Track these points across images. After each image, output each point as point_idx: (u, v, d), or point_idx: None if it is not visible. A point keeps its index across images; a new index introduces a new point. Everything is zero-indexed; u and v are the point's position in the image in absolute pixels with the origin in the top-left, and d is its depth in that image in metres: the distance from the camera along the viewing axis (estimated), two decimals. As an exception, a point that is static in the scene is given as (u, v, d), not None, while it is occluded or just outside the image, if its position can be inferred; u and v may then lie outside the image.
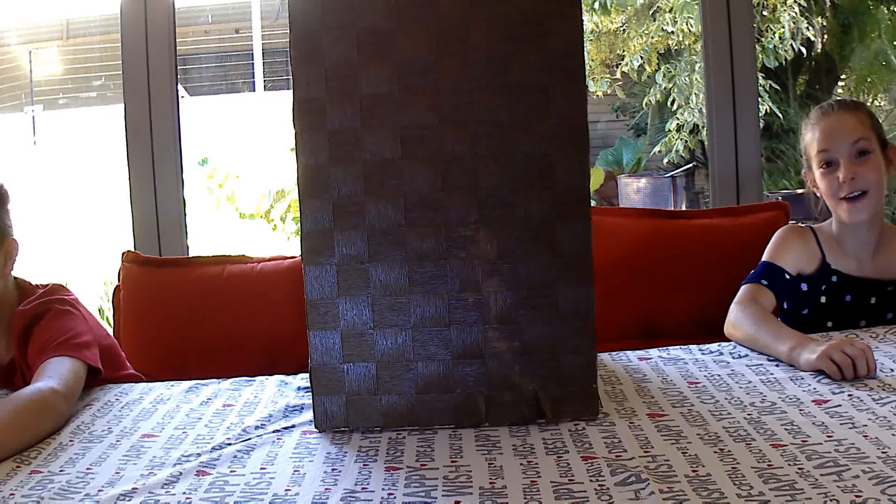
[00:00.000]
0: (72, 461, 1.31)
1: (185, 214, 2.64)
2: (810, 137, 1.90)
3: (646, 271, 2.23)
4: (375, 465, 1.24)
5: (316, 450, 1.32)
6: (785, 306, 1.86)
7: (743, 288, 1.83)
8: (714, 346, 1.72)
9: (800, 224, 2.02)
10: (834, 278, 1.87)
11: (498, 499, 1.11)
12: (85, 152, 6.97)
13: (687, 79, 6.53)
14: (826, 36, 6.75)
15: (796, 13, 6.29)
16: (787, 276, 1.86)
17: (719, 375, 1.55)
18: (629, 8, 6.57)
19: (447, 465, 1.23)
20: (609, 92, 7.15)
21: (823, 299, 1.87)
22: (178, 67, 2.62)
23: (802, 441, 1.22)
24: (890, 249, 1.90)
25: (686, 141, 6.60)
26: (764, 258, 1.90)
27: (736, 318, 1.76)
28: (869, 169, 1.84)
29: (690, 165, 6.95)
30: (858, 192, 1.84)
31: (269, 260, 2.27)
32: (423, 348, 1.37)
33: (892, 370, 1.50)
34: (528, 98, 1.37)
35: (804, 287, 1.87)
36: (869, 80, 6.50)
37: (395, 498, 1.13)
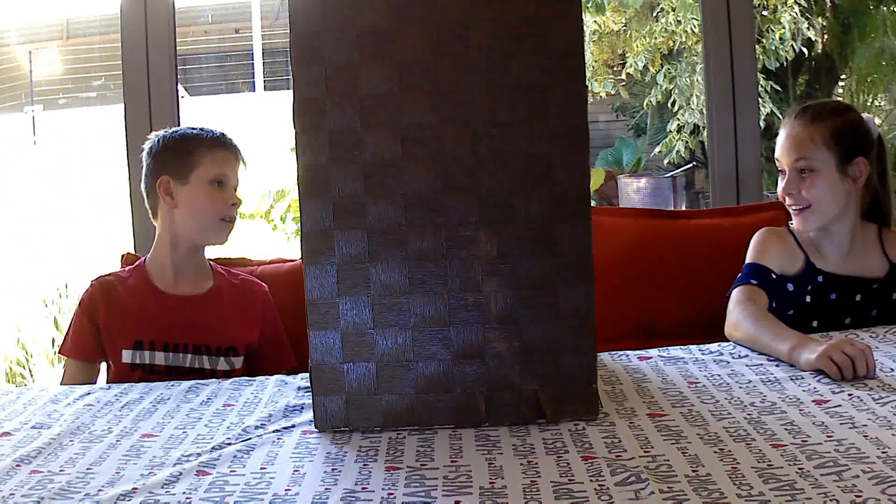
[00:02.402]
0: (72, 461, 1.31)
1: (185, 214, 2.63)
2: None
3: (646, 271, 2.23)
4: (375, 465, 1.24)
5: (316, 450, 1.32)
6: (774, 305, 1.86)
7: (736, 290, 1.84)
8: (714, 346, 1.72)
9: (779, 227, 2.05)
10: (820, 278, 1.89)
11: (498, 499, 1.11)
12: (85, 152, 6.97)
13: (688, 80, 6.53)
14: (826, 36, 6.75)
15: (796, 13, 6.29)
16: (774, 276, 1.87)
17: (719, 375, 1.54)
18: (630, 8, 6.57)
19: (447, 464, 1.23)
20: (613, 92, 7.16)
21: (809, 298, 1.88)
22: (178, 67, 2.62)
23: (802, 441, 1.22)
24: (868, 249, 1.93)
25: (687, 142, 6.60)
26: (748, 260, 1.91)
27: (736, 318, 1.76)
28: (808, 187, 1.88)
29: (690, 165, 6.95)
30: (800, 207, 1.88)
31: (270, 263, 2.27)
32: (423, 348, 1.37)
33: (892, 370, 1.50)
34: (528, 98, 1.36)
35: (790, 287, 1.89)
36: (869, 79, 6.50)
37: (395, 498, 1.13)
